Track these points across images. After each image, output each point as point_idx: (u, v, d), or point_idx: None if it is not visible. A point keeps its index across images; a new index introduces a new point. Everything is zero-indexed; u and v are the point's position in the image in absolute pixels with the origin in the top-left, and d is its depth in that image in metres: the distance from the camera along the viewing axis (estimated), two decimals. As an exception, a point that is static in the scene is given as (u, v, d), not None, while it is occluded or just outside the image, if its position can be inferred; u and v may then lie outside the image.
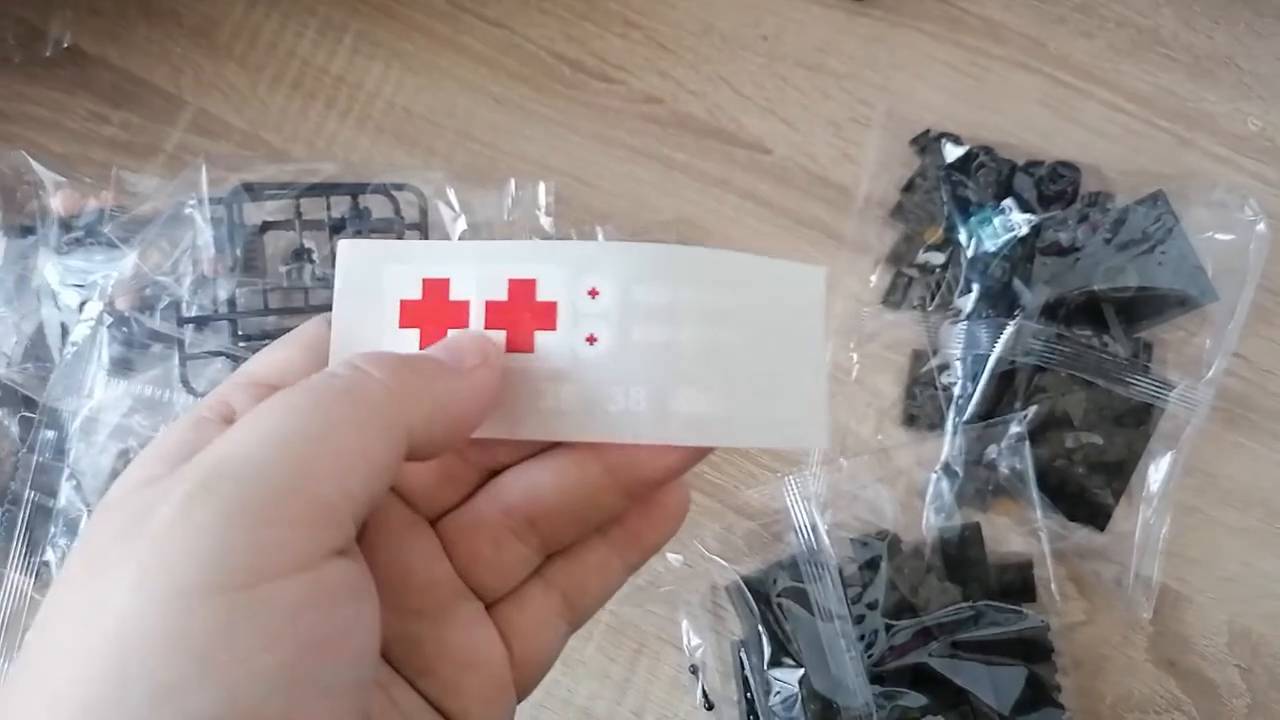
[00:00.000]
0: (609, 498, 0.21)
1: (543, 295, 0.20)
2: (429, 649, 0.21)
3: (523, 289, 0.20)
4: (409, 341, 0.21)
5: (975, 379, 0.44)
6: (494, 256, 0.21)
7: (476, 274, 0.20)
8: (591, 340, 0.20)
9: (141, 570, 0.15)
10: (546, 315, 0.20)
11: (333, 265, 0.44)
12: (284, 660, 0.15)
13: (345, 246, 0.21)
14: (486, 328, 0.20)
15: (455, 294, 0.21)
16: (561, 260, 0.20)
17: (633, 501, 0.22)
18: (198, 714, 0.14)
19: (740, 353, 0.21)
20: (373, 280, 0.21)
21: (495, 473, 0.22)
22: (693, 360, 0.20)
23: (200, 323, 0.43)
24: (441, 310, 0.21)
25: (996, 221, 0.45)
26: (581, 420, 0.20)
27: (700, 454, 0.21)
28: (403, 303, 0.21)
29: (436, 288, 0.21)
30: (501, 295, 0.20)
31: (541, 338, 0.20)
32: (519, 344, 0.21)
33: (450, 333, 0.21)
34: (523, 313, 0.20)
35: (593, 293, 0.20)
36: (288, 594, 0.15)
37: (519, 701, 0.23)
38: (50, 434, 0.42)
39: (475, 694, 0.21)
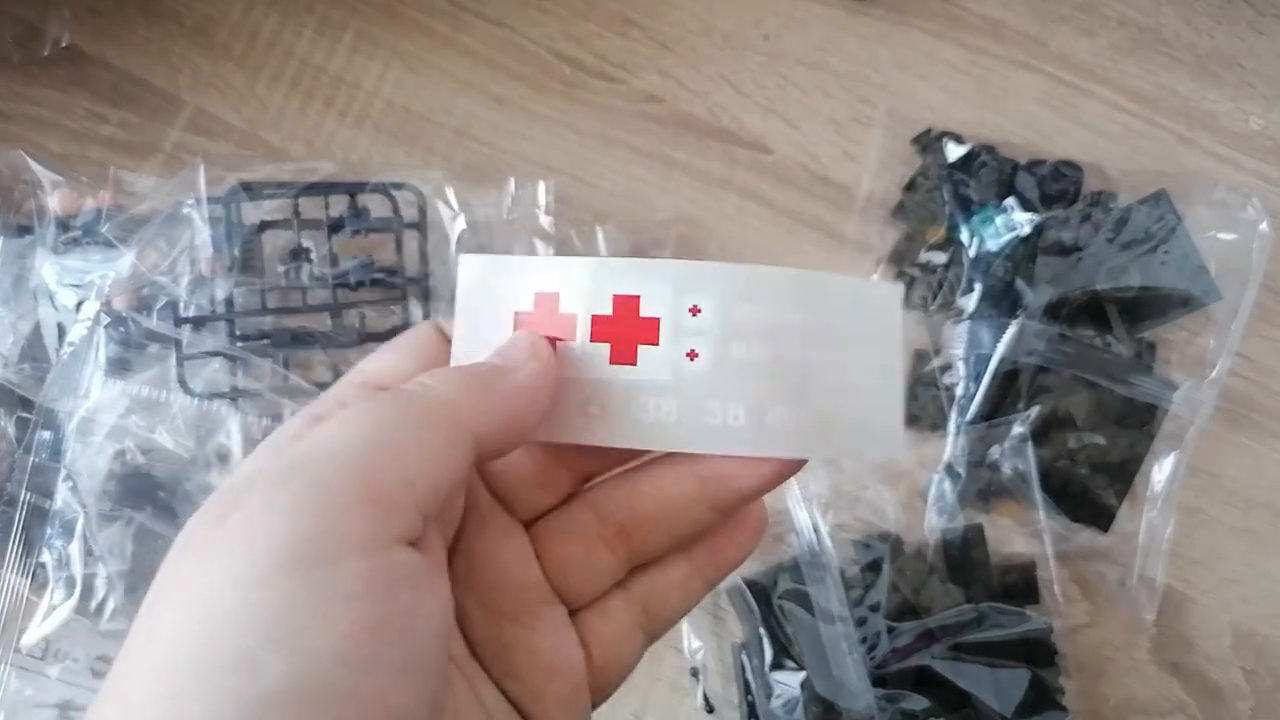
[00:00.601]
0: (700, 511, 0.22)
1: (646, 311, 0.21)
2: (517, 652, 0.22)
3: (627, 304, 0.21)
4: None
5: (978, 379, 0.44)
6: (600, 273, 0.22)
7: (584, 289, 0.21)
8: (692, 356, 0.21)
9: (226, 554, 0.17)
10: (649, 330, 0.21)
11: (330, 265, 0.44)
12: (345, 638, 0.16)
13: (467, 261, 0.22)
14: (592, 341, 0.22)
15: (564, 308, 0.22)
16: (665, 278, 0.21)
17: (721, 516, 0.22)
18: (271, 683, 0.15)
19: (831, 370, 0.22)
20: (490, 292, 0.22)
21: (587, 478, 0.24)
22: (788, 378, 0.21)
23: (198, 323, 0.43)
24: (551, 322, 0.22)
25: (998, 221, 0.45)
26: (680, 432, 0.21)
27: (791, 470, 0.22)
28: (516, 314, 0.22)
29: (547, 301, 0.22)
30: (606, 310, 0.21)
31: (644, 351, 0.21)
32: (623, 357, 0.21)
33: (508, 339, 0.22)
34: (626, 327, 0.21)
35: (694, 310, 0.21)
36: (348, 577, 0.17)
37: (594, 708, 0.23)
38: (46, 435, 0.42)
39: (555, 699, 0.22)
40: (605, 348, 0.21)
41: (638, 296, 0.21)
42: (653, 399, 0.21)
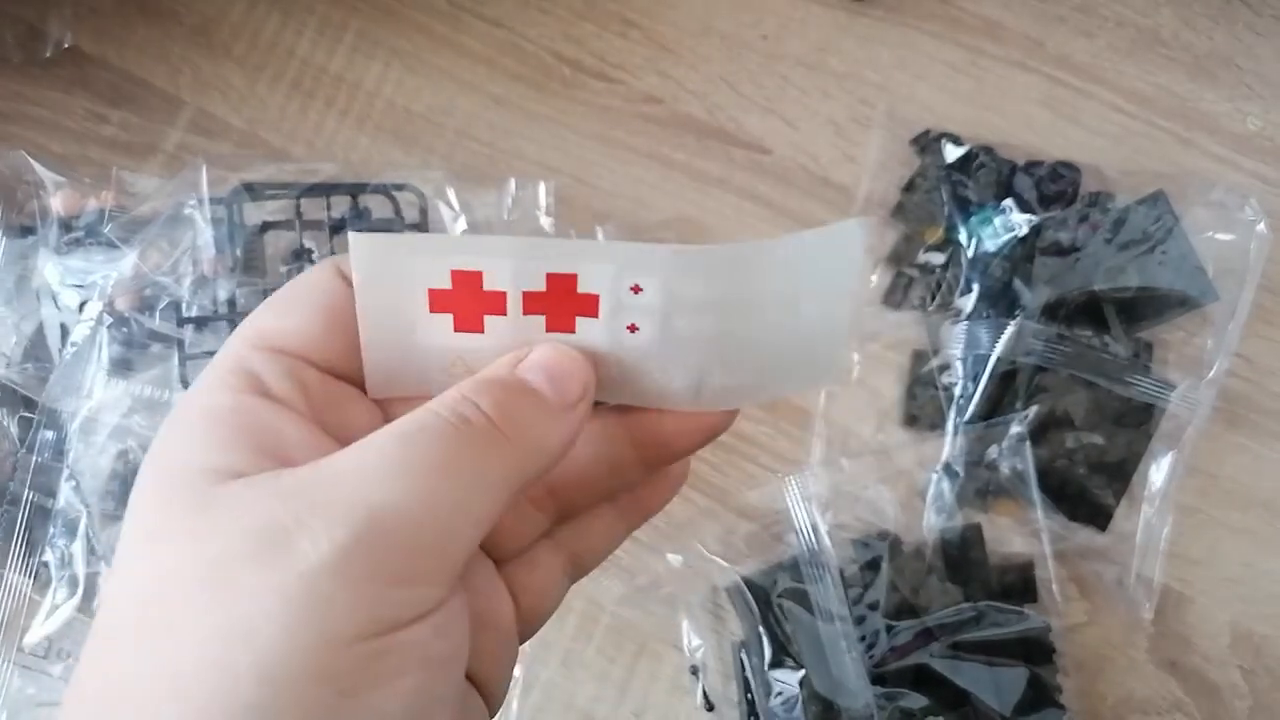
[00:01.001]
0: (631, 469, 0.23)
1: (584, 289, 0.20)
2: None
3: (562, 282, 0.20)
4: (443, 325, 0.21)
5: (976, 379, 0.44)
6: (533, 252, 0.20)
7: (511, 268, 0.20)
8: (633, 329, 0.21)
9: (290, 609, 0.16)
10: (588, 305, 0.21)
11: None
12: (417, 684, 0.17)
13: (358, 242, 0.20)
14: (524, 313, 0.21)
15: (490, 284, 0.20)
16: (604, 260, 0.20)
17: (652, 471, 0.23)
18: None
19: (778, 330, 0.21)
20: (394, 272, 0.20)
21: None
22: (732, 346, 0.21)
23: (200, 323, 0.43)
24: (476, 298, 0.21)
25: (997, 221, 0.45)
26: (619, 390, 0.22)
27: (724, 425, 0.22)
28: (431, 291, 0.21)
29: (467, 279, 0.20)
30: (540, 287, 0.20)
31: (583, 322, 0.21)
32: (559, 326, 0.21)
33: (544, 351, 0.21)
34: (563, 301, 0.21)
35: (635, 289, 0.20)
36: (421, 633, 0.17)
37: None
38: (49, 434, 0.42)
39: (487, 653, 0.22)
40: (540, 319, 0.21)
41: (575, 275, 0.20)
42: (591, 360, 0.21)
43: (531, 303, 0.21)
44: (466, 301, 0.21)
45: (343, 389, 0.21)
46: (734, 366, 0.22)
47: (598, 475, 0.23)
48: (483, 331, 0.21)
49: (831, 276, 0.21)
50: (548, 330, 0.21)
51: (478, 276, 0.20)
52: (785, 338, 0.22)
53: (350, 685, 0.16)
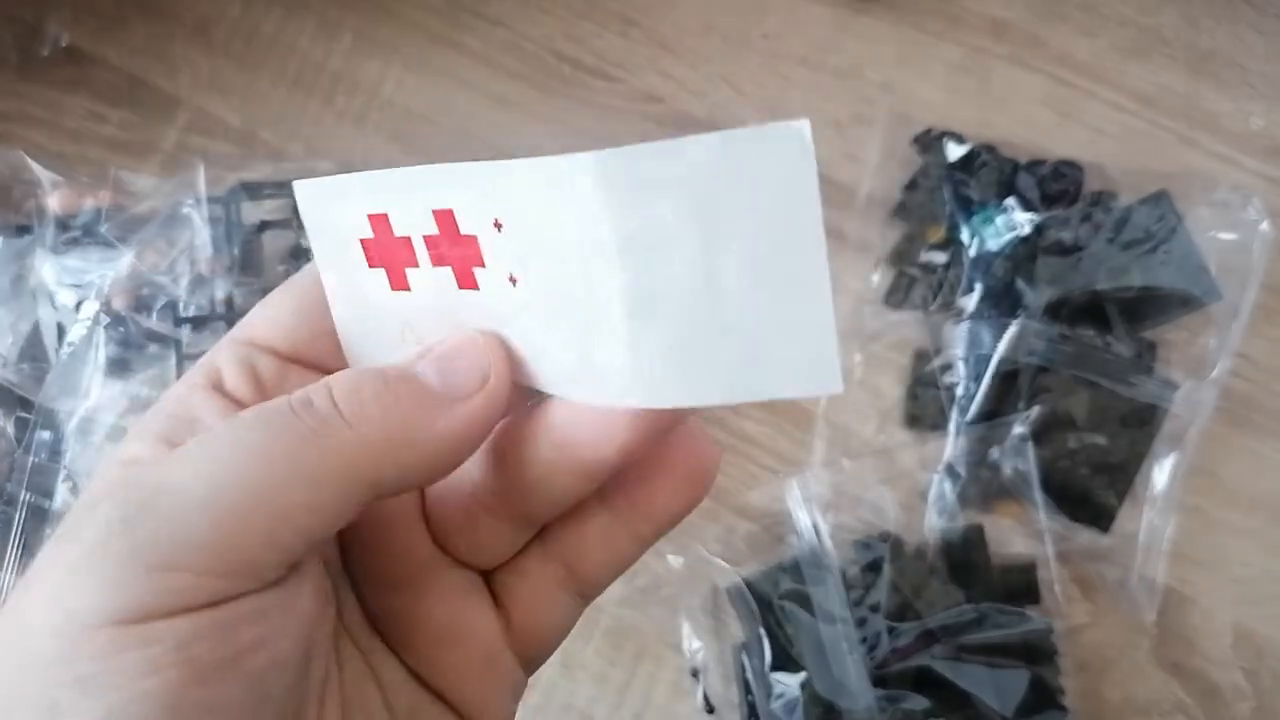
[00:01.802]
0: (570, 480, 0.18)
1: (464, 228, 0.17)
2: (406, 622, 0.20)
3: (446, 221, 0.17)
4: (381, 283, 0.19)
5: (978, 379, 0.44)
6: (415, 185, 0.17)
7: (405, 206, 0.18)
8: (513, 281, 0.17)
9: (50, 591, 0.15)
10: (473, 250, 0.17)
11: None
12: (169, 684, 0.15)
13: (300, 189, 0.19)
14: (433, 265, 0.18)
15: (397, 230, 0.18)
16: (464, 186, 0.17)
17: (597, 482, 0.18)
18: None
19: (695, 281, 0.15)
20: (332, 219, 0.18)
21: None
22: (622, 305, 0.15)
23: (197, 323, 0.43)
24: (392, 248, 0.18)
25: (999, 221, 0.45)
26: (525, 369, 0.18)
27: (652, 426, 0.17)
28: (363, 242, 0.18)
29: (381, 224, 0.18)
30: (433, 229, 0.17)
31: (479, 275, 0.17)
32: (466, 281, 0.18)
33: (451, 339, 0.18)
34: (455, 247, 0.17)
35: (497, 225, 0.16)
36: (178, 628, 0.15)
37: (528, 675, 0.21)
38: (46, 435, 0.42)
39: (459, 671, 0.20)
40: (448, 271, 0.18)
41: (451, 210, 0.17)
42: (505, 329, 0.18)
43: (435, 250, 0.17)
44: (388, 252, 0.18)
45: (312, 380, 0.19)
46: (624, 335, 0.15)
47: (537, 483, 0.18)
48: (409, 289, 0.18)
49: (771, 204, 0.14)
50: (460, 288, 0.17)
51: (385, 220, 0.18)
52: (716, 299, 0.15)
53: (86, 676, 0.15)
